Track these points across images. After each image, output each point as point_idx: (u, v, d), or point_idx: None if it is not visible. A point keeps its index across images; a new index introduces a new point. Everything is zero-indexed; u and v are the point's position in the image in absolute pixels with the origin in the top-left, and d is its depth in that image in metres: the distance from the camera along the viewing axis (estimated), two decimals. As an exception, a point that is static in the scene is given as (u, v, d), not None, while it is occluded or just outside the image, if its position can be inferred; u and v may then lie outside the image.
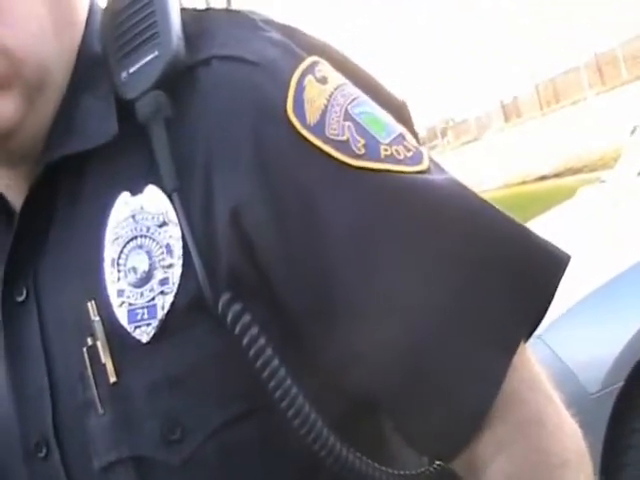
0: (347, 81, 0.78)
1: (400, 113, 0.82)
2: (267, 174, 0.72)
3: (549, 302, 0.75)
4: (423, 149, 0.77)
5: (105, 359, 0.74)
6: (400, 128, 0.78)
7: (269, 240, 0.72)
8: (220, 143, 0.73)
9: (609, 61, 27.47)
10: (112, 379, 0.74)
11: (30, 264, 0.80)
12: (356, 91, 0.78)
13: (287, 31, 0.80)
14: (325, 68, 0.77)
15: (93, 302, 0.75)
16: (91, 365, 0.75)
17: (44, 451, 0.78)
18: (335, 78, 0.77)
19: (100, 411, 0.75)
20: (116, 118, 0.76)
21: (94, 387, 0.75)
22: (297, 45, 0.78)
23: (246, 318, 0.72)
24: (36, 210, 0.79)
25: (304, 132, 0.72)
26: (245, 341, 0.71)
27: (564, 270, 0.75)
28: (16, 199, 0.82)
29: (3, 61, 0.74)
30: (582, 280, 3.21)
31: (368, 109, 0.77)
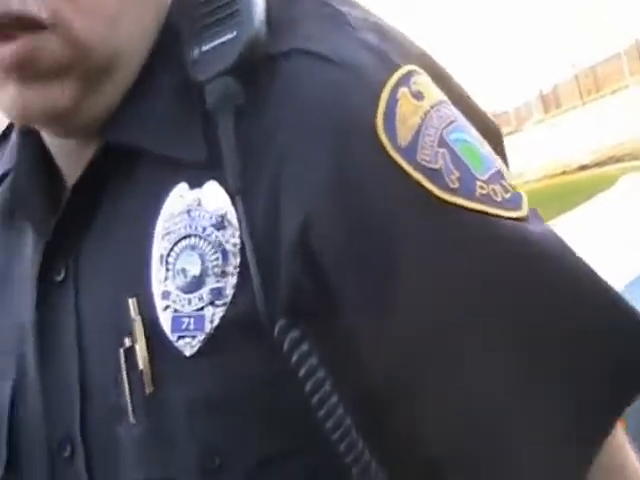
0: (445, 99, 0.69)
1: (495, 141, 0.73)
2: (347, 193, 0.65)
3: None
4: (521, 192, 0.69)
5: (143, 365, 0.67)
6: (498, 163, 0.69)
7: (338, 260, 0.65)
8: (296, 152, 0.66)
9: (650, 47, 27.12)
10: (149, 389, 0.67)
11: (73, 243, 0.73)
12: (454, 112, 0.69)
13: (382, 33, 0.71)
14: (422, 80, 0.68)
15: (135, 299, 0.68)
16: (127, 369, 0.68)
17: (68, 450, 0.71)
18: (432, 94, 0.68)
19: (132, 421, 0.68)
20: (202, 138, 0.69)
21: (128, 394, 0.68)
22: (393, 51, 0.69)
23: (304, 347, 0.64)
24: (89, 189, 0.72)
25: (394, 154, 0.64)
26: (302, 373, 0.64)
27: None
28: (72, 173, 0.74)
29: (68, 50, 0.68)
30: (623, 270, 3.22)
31: (465, 136, 0.68)
